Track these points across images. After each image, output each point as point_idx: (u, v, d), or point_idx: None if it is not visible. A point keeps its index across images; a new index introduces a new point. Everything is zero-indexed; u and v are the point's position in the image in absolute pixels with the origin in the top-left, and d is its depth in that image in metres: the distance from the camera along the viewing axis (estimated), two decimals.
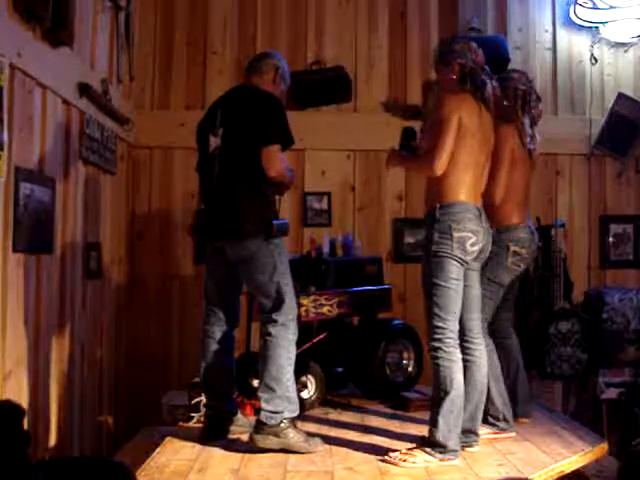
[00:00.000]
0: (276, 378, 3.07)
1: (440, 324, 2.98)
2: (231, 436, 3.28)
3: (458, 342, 3.02)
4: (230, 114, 3.22)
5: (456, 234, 3.00)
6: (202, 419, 3.40)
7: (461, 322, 3.08)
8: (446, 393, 2.93)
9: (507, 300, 3.56)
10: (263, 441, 3.04)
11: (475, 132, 3.06)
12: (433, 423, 2.96)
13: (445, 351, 2.96)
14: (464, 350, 3.07)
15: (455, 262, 3.00)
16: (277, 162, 3.12)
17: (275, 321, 3.12)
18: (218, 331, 3.32)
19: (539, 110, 3.53)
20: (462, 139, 3.02)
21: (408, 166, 3.41)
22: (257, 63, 3.37)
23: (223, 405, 3.32)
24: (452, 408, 2.93)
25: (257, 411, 3.10)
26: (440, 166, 2.99)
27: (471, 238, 3.03)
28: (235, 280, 3.33)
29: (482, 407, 3.17)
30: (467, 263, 3.05)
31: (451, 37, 3.20)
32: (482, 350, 3.16)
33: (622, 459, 1.81)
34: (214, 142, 3.22)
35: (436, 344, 2.98)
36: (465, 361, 3.05)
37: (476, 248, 3.06)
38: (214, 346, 3.31)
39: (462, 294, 3.05)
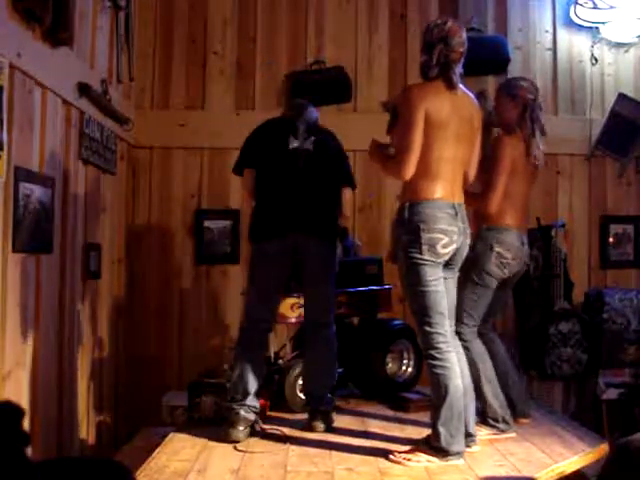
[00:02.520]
0: (333, 368, 3.51)
1: (428, 329, 2.91)
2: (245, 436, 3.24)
3: (450, 343, 2.94)
4: (319, 135, 3.45)
5: (425, 235, 2.86)
6: (227, 416, 3.28)
7: None
8: (443, 400, 2.88)
9: (489, 307, 3.43)
10: (320, 426, 3.34)
11: (446, 123, 2.89)
12: (434, 431, 2.92)
13: (437, 357, 2.89)
14: None
15: (428, 264, 2.88)
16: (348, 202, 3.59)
17: (329, 324, 3.45)
18: (263, 328, 3.41)
19: (541, 120, 3.42)
20: (432, 132, 2.87)
21: (383, 166, 3.10)
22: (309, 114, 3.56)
23: (249, 401, 3.29)
24: (451, 413, 2.88)
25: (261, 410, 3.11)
26: (408, 171, 2.87)
27: (442, 239, 2.88)
28: (287, 279, 3.47)
29: (472, 409, 3.09)
30: (440, 264, 2.92)
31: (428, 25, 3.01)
32: (460, 354, 3.03)
33: (611, 451, 1.80)
34: (294, 143, 3.40)
35: (428, 351, 2.92)
36: None
37: (449, 249, 2.91)
38: (256, 341, 3.39)
39: (445, 291, 2.93)
